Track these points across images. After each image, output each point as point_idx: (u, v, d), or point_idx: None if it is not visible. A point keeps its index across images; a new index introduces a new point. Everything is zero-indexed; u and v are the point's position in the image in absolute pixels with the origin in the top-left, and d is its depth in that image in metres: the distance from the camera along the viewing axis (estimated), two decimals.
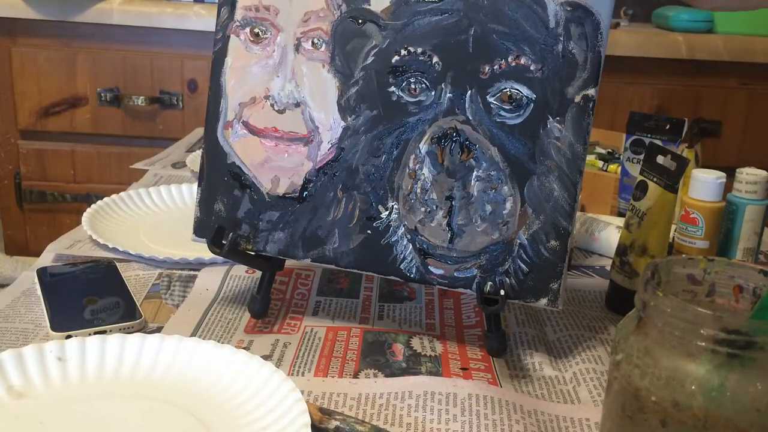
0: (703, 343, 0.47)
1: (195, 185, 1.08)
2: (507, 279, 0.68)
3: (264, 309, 0.75)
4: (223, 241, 0.72)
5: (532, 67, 0.66)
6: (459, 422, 0.59)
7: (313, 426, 0.56)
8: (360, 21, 0.69)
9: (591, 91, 0.65)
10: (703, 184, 0.80)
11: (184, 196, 1.07)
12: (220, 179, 0.73)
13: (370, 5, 0.69)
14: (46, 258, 0.87)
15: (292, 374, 0.66)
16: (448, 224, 0.68)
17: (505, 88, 0.66)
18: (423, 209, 0.69)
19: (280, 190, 0.72)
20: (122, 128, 1.82)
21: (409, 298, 0.82)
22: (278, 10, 0.71)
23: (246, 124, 0.73)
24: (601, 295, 0.84)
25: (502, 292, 0.67)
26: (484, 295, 0.68)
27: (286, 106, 0.71)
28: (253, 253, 0.74)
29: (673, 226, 0.81)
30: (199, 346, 0.64)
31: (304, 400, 0.57)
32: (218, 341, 0.67)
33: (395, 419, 0.60)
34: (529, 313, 0.80)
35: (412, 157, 0.69)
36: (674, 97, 1.81)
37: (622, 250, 0.80)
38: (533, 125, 0.66)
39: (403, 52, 0.68)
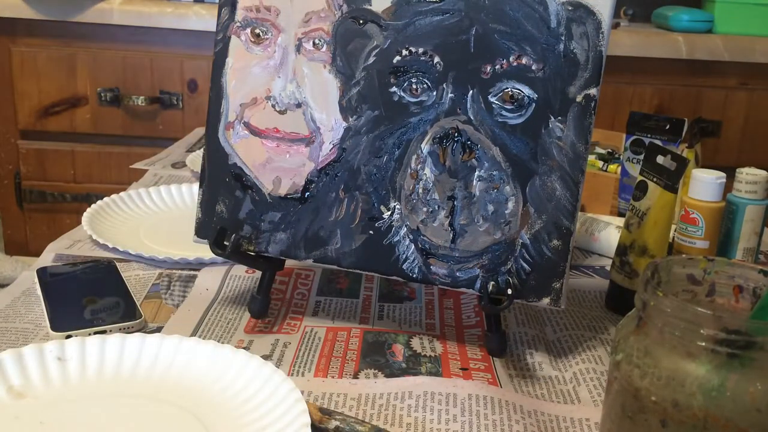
0: (703, 343, 0.47)
1: (195, 185, 1.08)
2: (509, 278, 0.68)
3: (264, 309, 0.75)
4: (225, 243, 0.72)
5: (533, 67, 0.66)
6: (459, 422, 0.59)
7: (313, 426, 0.56)
8: (361, 21, 0.69)
9: (593, 91, 0.65)
10: (703, 184, 0.80)
11: (184, 196, 1.07)
12: (222, 180, 0.73)
13: (371, 5, 0.69)
14: (46, 258, 0.87)
15: (292, 374, 0.66)
16: (450, 224, 0.68)
17: (507, 88, 0.66)
18: (425, 209, 0.69)
19: (282, 191, 0.72)
20: (122, 128, 1.82)
21: (409, 298, 0.82)
22: (279, 11, 0.71)
23: (247, 125, 0.73)
24: (601, 295, 0.84)
25: (510, 291, 0.66)
26: (488, 294, 0.68)
27: (287, 106, 0.71)
28: (254, 254, 0.74)
29: (673, 226, 0.81)
30: (199, 346, 0.64)
31: (304, 400, 0.57)
32: (218, 341, 0.67)
33: (395, 419, 0.60)
34: (529, 313, 0.80)
35: (414, 157, 0.69)
36: (674, 97, 1.81)
37: (622, 250, 0.80)
38: (535, 125, 0.66)
39: (404, 52, 0.68)
